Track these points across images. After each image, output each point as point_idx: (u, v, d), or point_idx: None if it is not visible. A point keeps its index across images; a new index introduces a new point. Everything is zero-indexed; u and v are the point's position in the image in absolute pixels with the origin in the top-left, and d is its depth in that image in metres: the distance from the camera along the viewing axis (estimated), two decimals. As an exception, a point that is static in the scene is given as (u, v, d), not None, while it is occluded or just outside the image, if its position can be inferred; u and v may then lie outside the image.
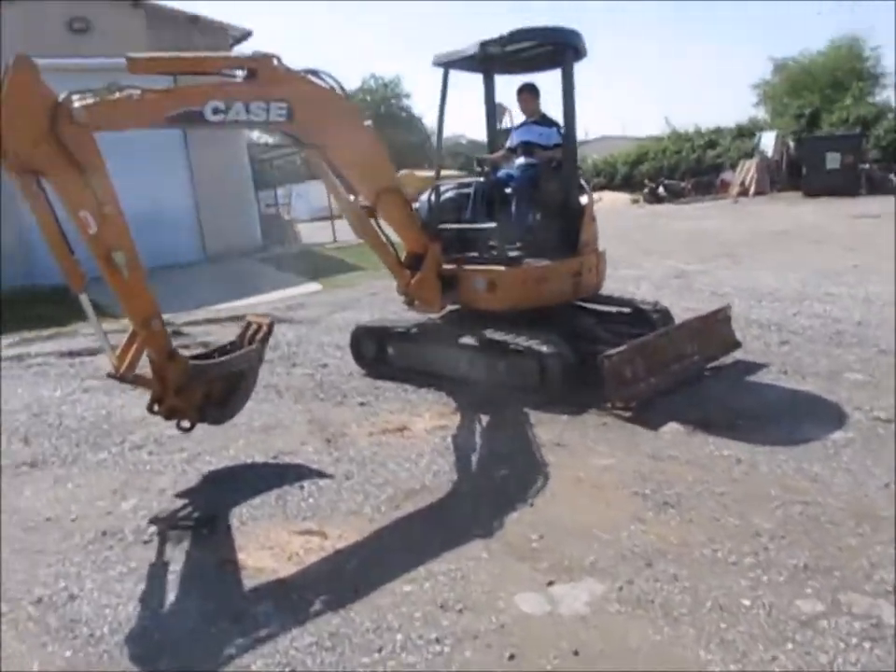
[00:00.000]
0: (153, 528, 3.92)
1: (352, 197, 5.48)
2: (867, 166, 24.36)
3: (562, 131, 6.04)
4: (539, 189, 5.90)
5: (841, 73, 31.94)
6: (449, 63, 6.10)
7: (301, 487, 4.27)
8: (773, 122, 31.72)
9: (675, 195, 29.42)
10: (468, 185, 6.44)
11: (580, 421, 4.99)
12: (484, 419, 5.20)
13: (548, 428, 4.89)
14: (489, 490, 4.08)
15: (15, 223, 13.82)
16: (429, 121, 53.40)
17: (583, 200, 6.09)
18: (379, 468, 4.46)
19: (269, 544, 3.65)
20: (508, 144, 6.48)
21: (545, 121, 6.20)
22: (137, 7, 15.21)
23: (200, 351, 4.99)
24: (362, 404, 5.77)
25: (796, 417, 4.76)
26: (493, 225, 5.83)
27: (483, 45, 5.55)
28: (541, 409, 5.22)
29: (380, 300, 10.42)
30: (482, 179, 6.30)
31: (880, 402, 4.88)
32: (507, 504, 3.86)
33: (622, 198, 30.95)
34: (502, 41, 5.53)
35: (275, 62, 4.53)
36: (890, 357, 5.85)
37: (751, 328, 7.06)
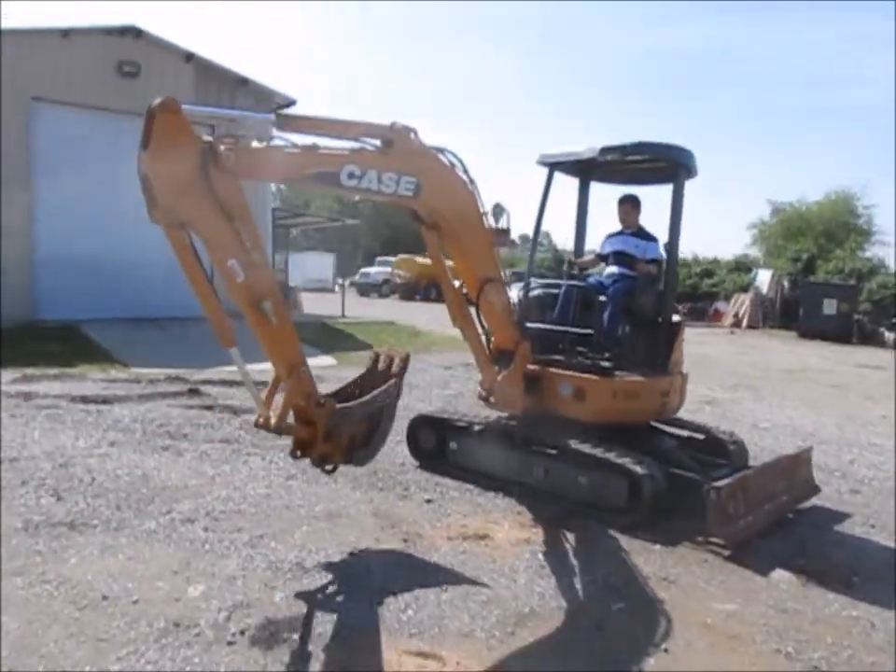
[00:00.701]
0: (233, 627, 3.44)
1: (457, 283, 5.24)
2: (860, 316, 25.07)
3: (661, 246, 5.94)
4: (636, 301, 5.74)
5: (835, 224, 33.37)
6: (556, 164, 6.03)
7: (394, 594, 3.83)
8: (766, 261, 32.82)
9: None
10: (555, 285, 6.27)
11: (677, 554, 4.63)
12: (570, 536, 4.82)
13: (645, 558, 4.52)
14: (611, 625, 3.67)
15: (20, 253, 13.42)
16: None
17: (675, 318, 5.93)
18: (476, 584, 4.04)
19: (378, 664, 3.20)
20: (599, 250, 6.36)
21: (643, 234, 6.10)
22: (188, 62, 15.32)
23: (332, 389, 4.64)
24: (429, 501, 5.35)
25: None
26: (588, 331, 5.62)
27: (605, 151, 5.49)
28: (627, 533, 4.87)
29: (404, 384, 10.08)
30: (571, 282, 6.14)
31: None
32: (638, 645, 3.47)
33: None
34: (624, 150, 5.48)
35: (412, 135, 4.40)
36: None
37: (815, 472, 6.82)
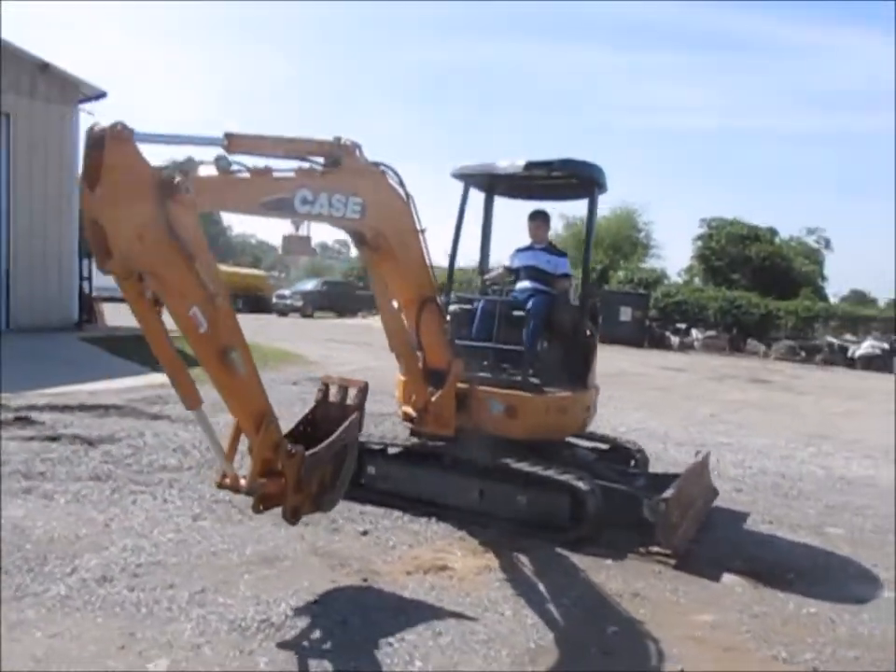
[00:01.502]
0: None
1: (395, 303, 4.94)
2: (650, 322, 27.63)
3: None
4: (555, 316, 5.77)
5: (620, 238, 36.53)
6: (471, 178, 5.94)
7: (389, 644, 3.49)
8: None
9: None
10: (467, 300, 6.17)
11: (631, 568, 4.70)
12: (523, 558, 4.72)
13: (605, 575, 4.54)
14: (615, 650, 3.61)
15: None
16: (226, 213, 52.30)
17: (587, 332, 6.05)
18: (464, 620, 3.79)
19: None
20: (508, 264, 6.34)
21: (553, 250, 6.19)
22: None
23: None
24: (364, 533, 4.99)
25: (830, 572, 4.89)
26: (515, 347, 5.57)
27: (530, 166, 5.47)
28: (572, 549, 4.87)
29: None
30: (489, 297, 6.07)
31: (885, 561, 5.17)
32: (651, 668, 3.44)
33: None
34: (550, 167, 5.50)
35: (358, 152, 4.11)
36: (847, 514, 6.32)
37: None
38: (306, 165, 3.87)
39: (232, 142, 3.51)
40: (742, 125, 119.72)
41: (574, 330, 5.85)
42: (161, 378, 11.47)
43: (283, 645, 3.42)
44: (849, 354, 24.53)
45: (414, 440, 5.69)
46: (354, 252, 38.35)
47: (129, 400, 9.28)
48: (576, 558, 4.77)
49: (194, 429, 7.49)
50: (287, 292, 34.25)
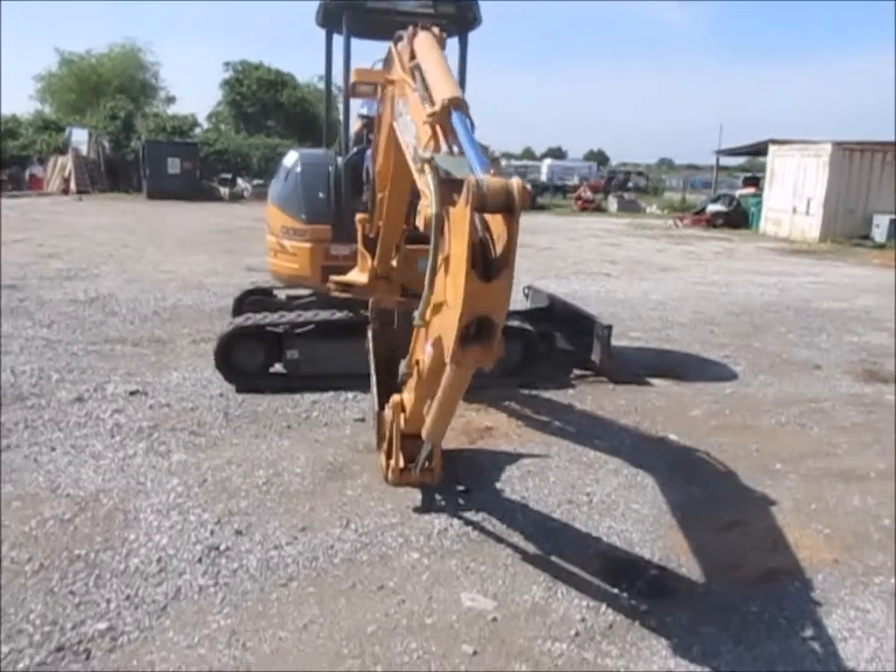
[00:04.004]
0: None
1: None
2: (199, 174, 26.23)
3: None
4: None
5: (128, 79, 32.82)
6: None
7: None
8: (60, 118, 30.09)
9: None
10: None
11: (597, 389, 5.29)
12: (516, 406, 4.88)
13: (593, 403, 5.02)
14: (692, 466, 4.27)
15: None
16: None
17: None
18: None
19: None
20: (366, 112, 5.70)
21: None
22: None
23: None
24: (361, 420, 4.48)
25: (687, 365, 6.18)
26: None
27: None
28: (532, 389, 5.21)
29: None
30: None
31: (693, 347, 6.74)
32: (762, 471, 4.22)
33: None
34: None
35: None
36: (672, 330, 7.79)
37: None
38: None
39: None
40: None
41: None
42: None
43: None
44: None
45: (339, 314, 5.09)
46: None
47: None
48: (549, 394, 5.13)
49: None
50: None
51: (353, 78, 3.68)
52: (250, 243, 11.93)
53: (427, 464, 3.40)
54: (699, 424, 4.72)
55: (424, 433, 2.96)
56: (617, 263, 12.69)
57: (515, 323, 5.19)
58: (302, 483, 3.62)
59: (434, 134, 2.69)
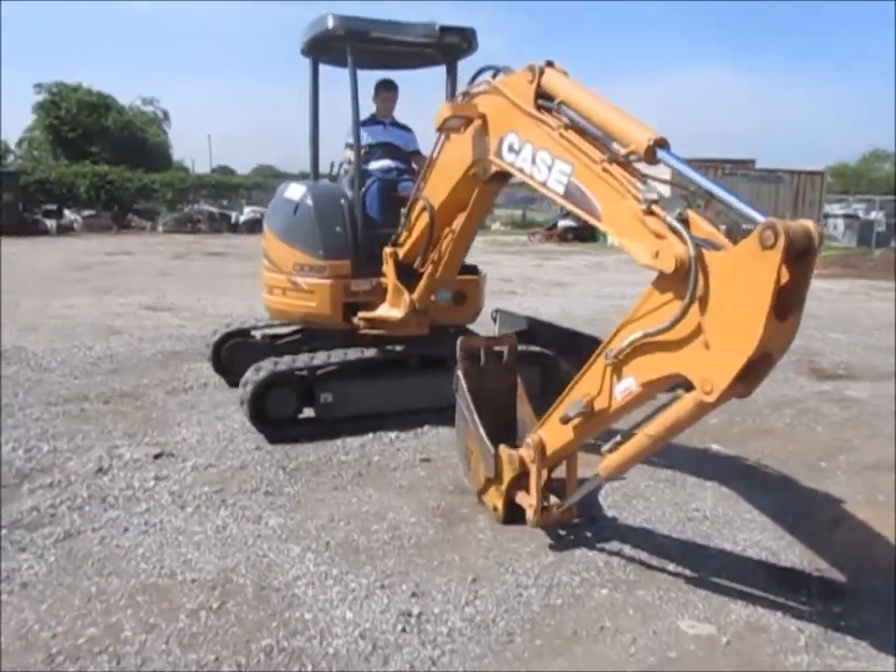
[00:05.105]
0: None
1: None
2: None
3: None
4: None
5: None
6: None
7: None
8: None
9: None
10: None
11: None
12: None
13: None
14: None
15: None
16: None
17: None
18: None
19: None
20: (351, 141, 5.53)
21: (402, 125, 5.73)
22: None
23: None
24: (426, 460, 4.34)
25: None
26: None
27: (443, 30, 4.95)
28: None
29: None
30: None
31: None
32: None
33: None
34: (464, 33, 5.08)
35: None
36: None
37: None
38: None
39: None
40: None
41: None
42: None
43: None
44: (233, 220, 26.25)
45: (369, 351, 4.90)
46: None
47: None
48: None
49: None
50: None
51: (447, 112, 3.59)
52: (118, 278, 11.09)
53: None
54: (724, 431, 5.05)
55: (607, 470, 2.96)
56: (511, 281, 13.10)
57: (535, 348, 5.28)
58: (427, 533, 3.45)
59: (632, 173, 2.74)
